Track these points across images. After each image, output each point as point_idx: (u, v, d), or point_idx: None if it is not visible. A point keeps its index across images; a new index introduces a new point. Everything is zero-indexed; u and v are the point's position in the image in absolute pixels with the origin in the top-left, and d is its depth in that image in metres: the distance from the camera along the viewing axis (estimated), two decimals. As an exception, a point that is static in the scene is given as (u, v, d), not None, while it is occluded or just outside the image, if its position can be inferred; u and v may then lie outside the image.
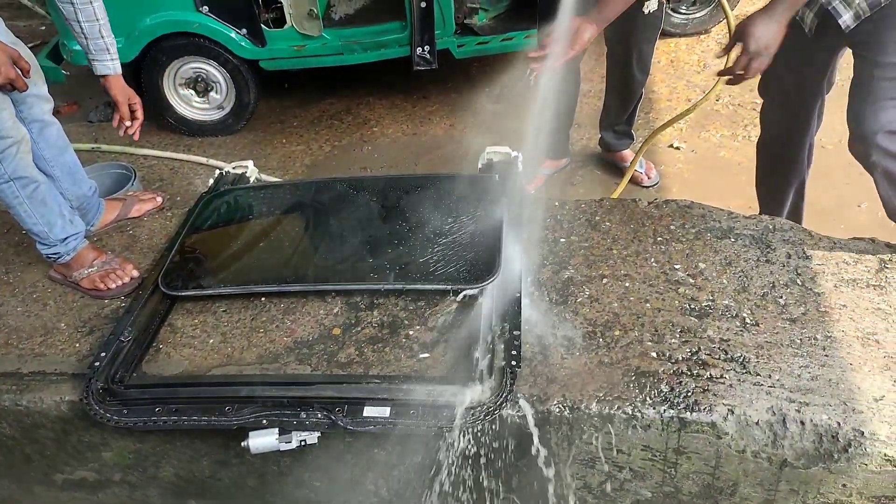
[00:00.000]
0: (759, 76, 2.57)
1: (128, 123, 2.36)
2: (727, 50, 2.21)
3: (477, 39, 4.06)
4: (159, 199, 2.71)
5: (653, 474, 1.92)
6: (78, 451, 2.08)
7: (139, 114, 2.39)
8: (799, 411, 1.79)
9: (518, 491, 1.99)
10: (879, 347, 1.94)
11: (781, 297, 2.09)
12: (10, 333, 2.19)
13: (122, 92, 2.34)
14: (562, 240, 2.35)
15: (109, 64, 2.29)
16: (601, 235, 2.36)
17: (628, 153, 3.66)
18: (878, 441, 1.74)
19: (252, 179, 2.83)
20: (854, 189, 3.48)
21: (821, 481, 1.83)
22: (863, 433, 1.75)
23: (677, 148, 3.85)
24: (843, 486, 1.83)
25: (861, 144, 2.24)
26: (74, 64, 3.90)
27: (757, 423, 1.80)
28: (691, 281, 2.16)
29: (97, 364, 2.00)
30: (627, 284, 2.15)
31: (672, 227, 2.38)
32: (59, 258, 2.28)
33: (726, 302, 2.08)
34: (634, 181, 3.60)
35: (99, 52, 2.26)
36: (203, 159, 3.73)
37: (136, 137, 2.41)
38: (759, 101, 2.79)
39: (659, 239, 2.33)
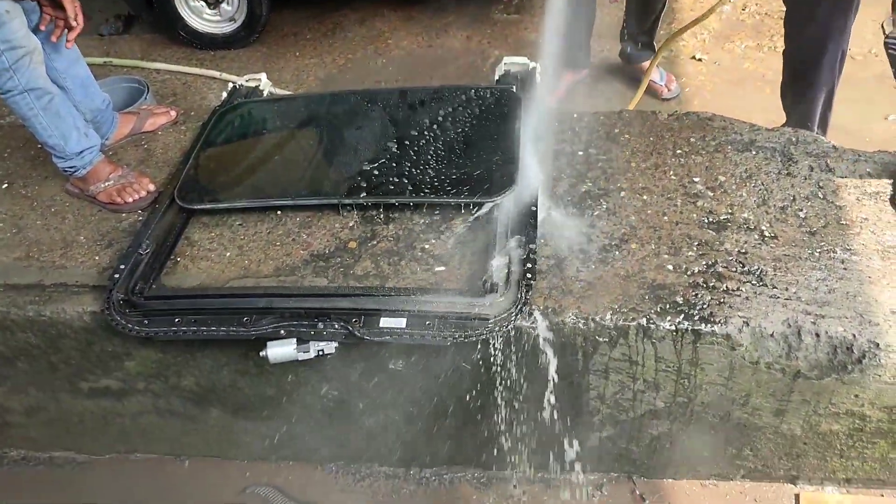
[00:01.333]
0: None
1: (74, 24, 2.16)
2: None
3: (495, -54, 3.92)
4: (173, 113, 2.68)
5: (666, 385, 1.94)
6: (101, 361, 2.13)
7: (80, 19, 2.18)
8: (815, 323, 1.79)
9: (532, 401, 2.02)
10: (899, 260, 1.92)
11: (802, 211, 2.06)
12: (31, 246, 2.22)
13: None
14: (580, 152, 2.31)
15: None
16: (620, 148, 2.32)
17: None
18: (893, 352, 1.75)
19: (265, 93, 2.79)
20: (881, 101, 3.39)
21: (833, 392, 1.85)
22: (878, 345, 1.75)
23: (700, 59, 3.75)
24: (856, 396, 1.85)
25: None
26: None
27: (772, 335, 1.80)
28: (710, 194, 2.13)
29: (117, 276, 2.03)
30: (645, 197, 2.13)
31: (692, 139, 2.33)
32: (75, 171, 2.28)
33: (745, 215, 2.06)
34: (654, 93, 3.52)
35: None
36: (216, 73, 3.68)
37: (70, 46, 2.26)
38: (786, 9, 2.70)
39: (678, 152, 2.29)
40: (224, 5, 4.04)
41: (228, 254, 2.11)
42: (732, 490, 2.20)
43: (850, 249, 1.95)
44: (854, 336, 1.77)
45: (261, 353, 1.87)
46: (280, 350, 1.85)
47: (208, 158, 2.42)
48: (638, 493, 2.22)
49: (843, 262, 1.92)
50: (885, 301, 1.82)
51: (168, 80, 3.52)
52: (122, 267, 2.05)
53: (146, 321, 1.94)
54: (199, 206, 2.24)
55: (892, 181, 2.12)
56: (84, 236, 2.23)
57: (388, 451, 2.30)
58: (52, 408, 2.34)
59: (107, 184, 2.30)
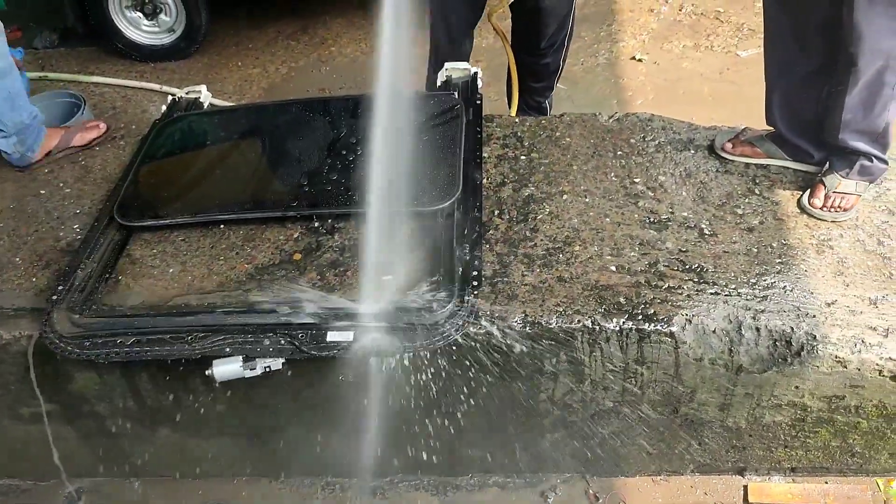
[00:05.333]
0: None
1: None
2: None
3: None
4: (103, 127, 2.63)
5: (614, 385, 1.97)
6: (42, 385, 2.07)
7: None
8: (755, 318, 1.83)
9: (481, 406, 2.02)
10: (833, 254, 1.98)
11: (739, 207, 2.11)
12: (-35, 270, 2.15)
13: None
14: (522, 157, 2.33)
15: None
16: (561, 151, 2.35)
17: None
18: (830, 344, 1.80)
19: (206, 105, 2.76)
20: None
21: (774, 384, 1.89)
22: (815, 337, 1.80)
23: (639, 60, 3.81)
24: (796, 387, 1.89)
25: None
26: (14, -13, 3.71)
27: (714, 332, 1.84)
28: (651, 194, 2.17)
29: (55, 298, 1.97)
30: (587, 200, 2.16)
31: (632, 140, 2.37)
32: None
33: (685, 214, 2.09)
34: None
35: None
36: (156, 86, 3.63)
37: None
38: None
39: (619, 153, 2.32)
40: (162, 16, 3.98)
41: (171, 270, 2.08)
42: (683, 484, 2.24)
43: (787, 244, 2.00)
44: (792, 329, 1.81)
45: (206, 372, 1.84)
46: (226, 368, 1.82)
47: (148, 174, 2.38)
48: (592, 491, 2.25)
49: (780, 256, 1.97)
50: (821, 294, 1.88)
51: (107, 93, 3.46)
52: (61, 288, 2.00)
53: (87, 343, 1.89)
54: (139, 223, 2.20)
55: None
56: (20, 258, 2.18)
57: (341, 462, 2.28)
58: (-7, 436, 2.27)
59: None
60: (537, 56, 2.95)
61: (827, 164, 2.13)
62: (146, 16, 3.97)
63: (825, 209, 2.07)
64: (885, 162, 2.07)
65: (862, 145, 2.03)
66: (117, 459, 2.35)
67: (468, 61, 3.02)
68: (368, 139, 2.33)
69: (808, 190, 2.12)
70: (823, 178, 2.10)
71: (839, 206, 2.07)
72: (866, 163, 2.05)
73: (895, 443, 2.06)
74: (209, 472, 2.37)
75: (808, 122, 2.13)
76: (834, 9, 1.88)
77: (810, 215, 2.08)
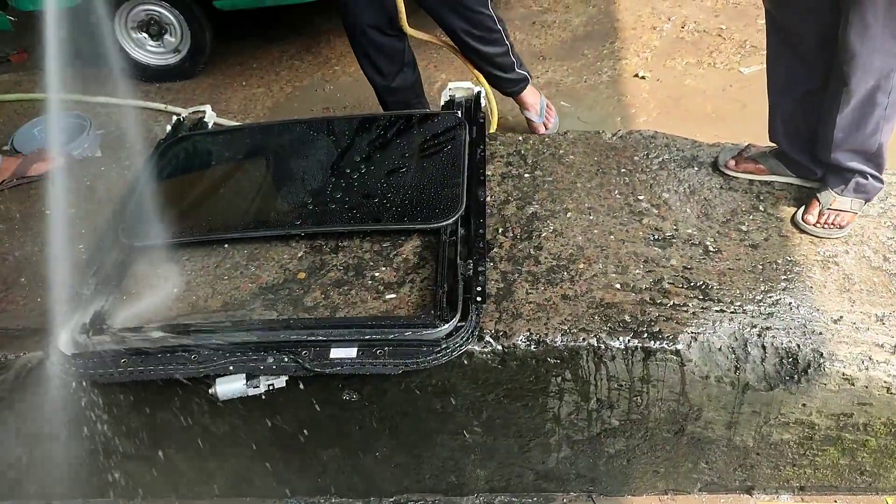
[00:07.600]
0: None
1: None
2: None
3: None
4: (61, 161, 2.62)
5: (620, 403, 1.95)
6: (45, 405, 2.07)
7: None
8: (760, 336, 1.82)
9: (487, 425, 2.01)
10: (839, 270, 1.97)
11: (743, 224, 2.10)
12: (-31, 290, 2.15)
13: None
14: (526, 175, 2.33)
15: None
16: (565, 169, 2.35)
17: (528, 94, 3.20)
18: (837, 361, 1.79)
19: (210, 124, 2.77)
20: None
21: (781, 402, 1.88)
22: (822, 354, 1.79)
23: (642, 77, 3.81)
24: (803, 405, 1.88)
25: None
26: (20, 9, 3.75)
27: (720, 349, 1.83)
28: (655, 211, 2.16)
29: (60, 318, 1.97)
30: (592, 217, 2.16)
31: (636, 157, 2.37)
32: None
33: (689, 231, 2.09)
34: (533, 131, 3.23)
35: None
36: (161, 105, 3.65)
37: None
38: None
39: (623, 170, 2.32)
40: (167, 37, 4.01)
41: (175, 290, 2.08)
42: (690, 503, 2.22)
43: (792, 261, 1.99)
44: (798, 346, 1.80)
45: (210, 391, 1.84)
46: (229, 386, 1.82)
47: (152, 193, 2.38)
48: (598, 511, 2.23)
49: (785, 273, 1.96)
50: (827, 310, 1.87)
51: (112, 113, 3.48)
52: (66, 308, 2.00)
53: (91, 363, 1.89)
54: (144, 243, 2.20)
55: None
56: (25, 278, 2.18)
57: (346, 482, 2.27)
58: (-4, 456, 2.26)
59: None
60: (479, 45, 2.89)
61: (822, 181, 2.13)
62: (151, 36, 4.00)
63: (818, 225, 2.06)
64: (881, 181, 2.07)
65: (856, 164, 2.03)
66: (121, 480, 2.33)
67: (416, 90, 3.09)
68: (373, 158, 2.35)
69: (803, 206, 2.11)
70: (818, 195, 2.09)
71: (833, 223, 2.06)
72: (861, 181, 2.05)
73: (904, 461, 2.04)
74: (214, 492, 2.36)
75: (810, 140, 2.13)
76: (831, 27, 1.88)
77: (803, 231, 2.07)
